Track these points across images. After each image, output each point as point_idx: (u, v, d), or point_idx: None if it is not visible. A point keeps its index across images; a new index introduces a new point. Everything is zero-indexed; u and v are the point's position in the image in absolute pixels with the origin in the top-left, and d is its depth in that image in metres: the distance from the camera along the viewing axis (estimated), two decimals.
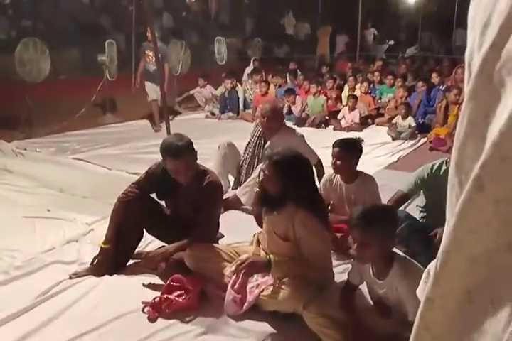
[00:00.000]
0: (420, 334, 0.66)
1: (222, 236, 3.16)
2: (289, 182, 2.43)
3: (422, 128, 6.87)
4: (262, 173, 2.54)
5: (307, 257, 2.44)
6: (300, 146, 3.60)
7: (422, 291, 0.66)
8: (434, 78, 8.03)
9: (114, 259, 2.85)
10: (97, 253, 2.87)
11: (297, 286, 2.34)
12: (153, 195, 3.02)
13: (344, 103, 7.85)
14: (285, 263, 2.45)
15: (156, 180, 2.89)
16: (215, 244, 2.83)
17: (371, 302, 2.44)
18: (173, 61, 8.63)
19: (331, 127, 7.47)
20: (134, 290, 2.67)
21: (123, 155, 5.63)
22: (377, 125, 7.53)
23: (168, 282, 2.59)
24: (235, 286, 2.49)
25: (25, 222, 3.55)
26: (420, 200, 3.29)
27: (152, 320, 2.41)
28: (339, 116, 7.53)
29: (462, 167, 0.59)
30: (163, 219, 2.98)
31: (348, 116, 7.40)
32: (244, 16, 15.93)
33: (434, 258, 0.62)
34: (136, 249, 3.00)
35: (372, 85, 8.40)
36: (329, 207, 3.29)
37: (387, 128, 6.99)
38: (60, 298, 2.58)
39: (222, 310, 2.47)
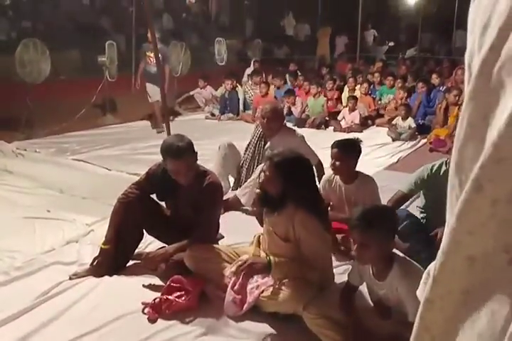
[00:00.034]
0: (420, 335, 0.66)
1: (222, 237, 3.16)
2: (289, 183, 2.43)
3: (422, 129, 6.87)
4: (262, 174, 2.54)
5: (307, 258, 2.44)
6: (300, 147, 3.60)
7: (422, 292, 0.67)
8: (434, 79, 8.04)
9: (114, 260, 2.85)
10: (96, 254, 2.87)
11: (297, 287, 2.34)
12: (154, 196, 3.02)
13: (344, 104, 7.85)
14: (285, 264, 2.45)
15: (156, 180, 2.89)
16: (215, 245, 2.83)
17: (371, 303, 2.44)
18: (173, 62, 8.64)
19: (331, 128, 7.47)
20: (133, 291, 2.67)
21: (123, 155, 5.64)
22: (377, 126, 7.54)
23: (168, 283, 2.59)
24: (235, 287, 2.49)
25: (25, 223, 3.56)
26: (420, 201, 3.30)
27: (152, 320, 2.41)
28: (339, 117, 7.53)
29: (462, 168, 0.59)
30: (163, 220, 2.98)
31: (348, 117, 7.40)
32: (245, 17, 15.94)
33: (435, 257, 0.63)
34: (136, 250, 3.00)
35: (372, 86, 8.40)
36: (329, 208, 3.30)
37: (387, 129, 6.99)
38: (60, 298, 2.58)
39: (222, 311, 2.47)
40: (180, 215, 2.93)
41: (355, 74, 8.96)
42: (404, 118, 6.87)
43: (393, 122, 7.01)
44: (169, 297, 2.49)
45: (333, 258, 2.77)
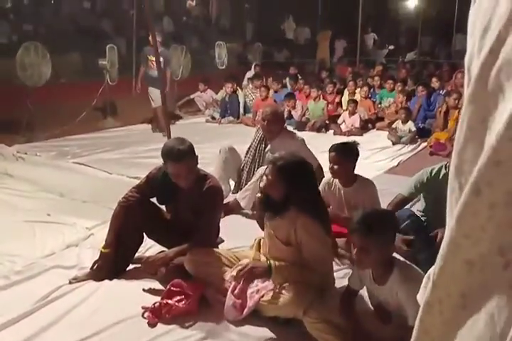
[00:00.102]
0: (420, 338, 0.66)
1: (223, 240, 3.15)
2: (292, 187, 2.43)
3: (422, 133, 6.88)
4: (264, 178, 2.54)
5: (308, 262, 2.43)
6: (301, 150, 3.60)
7: (422, 296, 0.67)
8: (434, 83, 8.04)
9: (114, 264, 2.84)
10: (97, 257, 2.87)
11: (297, 291, 2.33)
12: (154, 200, 3.02)
13: (344, 107, 7.87)
14: (285, 269, 2.44)
15: (156, 184, 2.88)
16: (215, 249, 2.83)
17: (371, 308, 2.43)
18: (174, 66, 8.65)
19: (331, 131, 7.48)
20: (133, 295, 2.66)
21: (123, 159, 5.64)
22: (377, 129, 7.54)
23: (168, 287, 2.58)
24: (235, 291, 2.48)
25: (25, 227, 3.55)
26: (420, 204, 3.30)
27: (152, 325, 2.40)
28: (339, 121, 7.54)
29: (462, 171, 0.59)
30: (163, 224, 2.97)
31: (348, 121, 7.41)
32: (245, 21, 15.99)
33: (435, 258, 0.62)
34: (136, 254, 3.00)
35: (372, 90, 8.42)
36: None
37: (387, 132, 7.00)
38: (59, 302, 2.57)
39: (223, 315, 2.46)
40: (181, 219, 2.93)
41: (355, 77, 8.97)
42: (405, 122, 6.88)
43: (393, 126, 7.01)
44: (169, 301, 2.48)
45: (334, 262, 2.77)
